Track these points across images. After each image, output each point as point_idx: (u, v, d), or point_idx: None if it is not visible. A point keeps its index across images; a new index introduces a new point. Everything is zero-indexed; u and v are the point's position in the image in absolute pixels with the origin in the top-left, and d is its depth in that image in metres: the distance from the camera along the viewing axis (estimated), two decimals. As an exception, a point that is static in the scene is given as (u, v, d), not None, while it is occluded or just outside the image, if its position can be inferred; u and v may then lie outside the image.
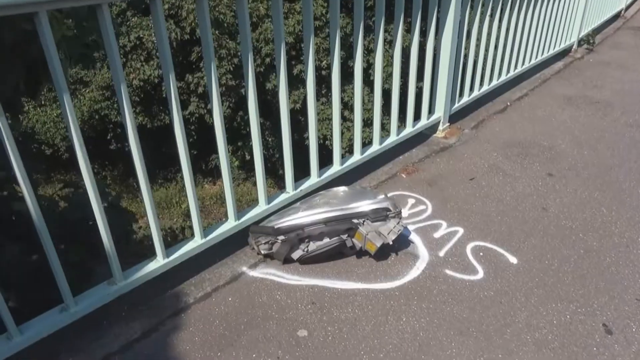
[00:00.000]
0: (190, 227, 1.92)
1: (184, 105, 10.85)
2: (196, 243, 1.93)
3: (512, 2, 3.59)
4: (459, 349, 1.66)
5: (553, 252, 2.13)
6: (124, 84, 1.53)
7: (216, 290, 1.92)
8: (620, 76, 4.57)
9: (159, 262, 1.82)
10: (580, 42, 5.41)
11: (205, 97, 10.29)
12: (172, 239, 8.79)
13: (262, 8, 10.22)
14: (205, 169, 12.23)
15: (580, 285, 1.93)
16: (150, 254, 1.84)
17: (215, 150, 1.90)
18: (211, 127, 1.90)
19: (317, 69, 10.06)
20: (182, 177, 1.86)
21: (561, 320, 1.77)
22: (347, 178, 2.56)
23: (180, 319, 1.78)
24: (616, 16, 7.28)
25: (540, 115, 3.65)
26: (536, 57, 4.39)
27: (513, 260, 2.08)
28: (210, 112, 1.78)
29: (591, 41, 5.46)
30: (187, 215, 1.90)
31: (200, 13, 1.68)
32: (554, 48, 4.77)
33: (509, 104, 3.83)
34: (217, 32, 10.00)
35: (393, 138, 2.80)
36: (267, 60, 10.34)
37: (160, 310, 1.81)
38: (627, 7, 7.86)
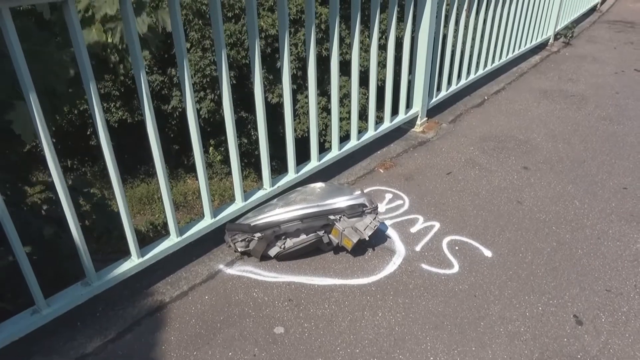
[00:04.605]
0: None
1: (165, 99, 10.71)
2: (172, 241, 1.91)
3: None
4: (434, 343, 1.68)
5: (527, 245, 2.17)
6: (92, 82, 1.50)
7: (193, 289, 1.91)
8: (595, 70, 4.65)
9: (133, 262, 1.80)
10: (556, 36, 5.48)
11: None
12: (155, 234, 8.72)
13: (245, -1, 10.13)
14: (188, 164, 12.12)
15: (552, 278, 1.97)
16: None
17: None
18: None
19: (301, 60, 10.00)
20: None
21: (533, 312, 1.81)
22: (325, 174, 2.57)
23: (156, 318, 1.77)
24: (592, 10, 7.39)
25: (516, 109, 3.70)
26: (513, 51, 4.44)
27: (488, 253, 2.12)
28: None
29: (568, 35, 5.53)
30: (169, 211, 1.88)
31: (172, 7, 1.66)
32: (531, 42, 4.82)
33: (486, 98, 3.86)
34: (200, 22, 9.89)
35: (371, 133, 2.81)
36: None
37: (135, 310, 1.79)
38: (603, 1, 7.98)
